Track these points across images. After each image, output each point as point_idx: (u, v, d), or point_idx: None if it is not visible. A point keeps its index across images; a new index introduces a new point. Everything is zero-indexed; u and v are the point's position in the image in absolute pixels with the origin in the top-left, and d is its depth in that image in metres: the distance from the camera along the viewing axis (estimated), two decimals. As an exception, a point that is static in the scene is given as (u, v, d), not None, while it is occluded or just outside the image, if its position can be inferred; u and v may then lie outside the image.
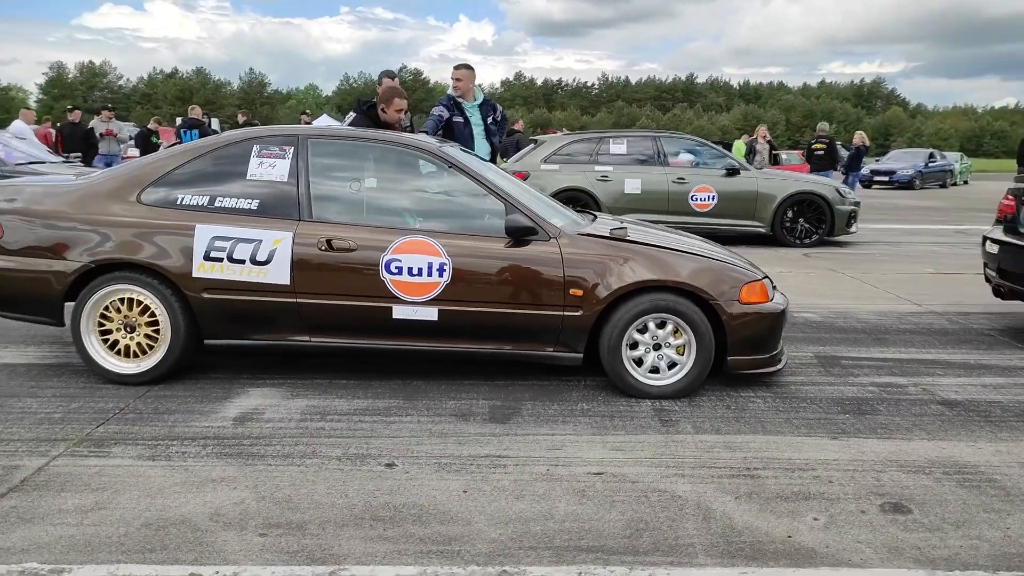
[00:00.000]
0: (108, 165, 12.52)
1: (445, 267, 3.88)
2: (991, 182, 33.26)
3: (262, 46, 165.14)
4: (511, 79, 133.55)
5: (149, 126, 15.54)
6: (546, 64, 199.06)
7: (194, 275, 3.90)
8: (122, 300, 3.95)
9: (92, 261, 3.90)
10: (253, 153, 4.04)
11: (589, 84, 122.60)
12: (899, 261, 9.07)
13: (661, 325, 3.95)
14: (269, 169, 4.02)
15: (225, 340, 4.02)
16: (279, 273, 3.90)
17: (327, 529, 2.61)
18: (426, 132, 5.65)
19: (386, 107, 5.34)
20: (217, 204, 3.96)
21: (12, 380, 4.06)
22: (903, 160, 28.88)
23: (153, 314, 3.95)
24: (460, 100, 6.15)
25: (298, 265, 3.89)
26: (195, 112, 12.26)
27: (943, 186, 28.60)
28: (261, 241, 3.89)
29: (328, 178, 4.11)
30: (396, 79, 6.15)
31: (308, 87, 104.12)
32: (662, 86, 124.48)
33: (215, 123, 13.31)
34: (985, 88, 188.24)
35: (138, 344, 3.99)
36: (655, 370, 3.99)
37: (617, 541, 2.56)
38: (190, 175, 4.03)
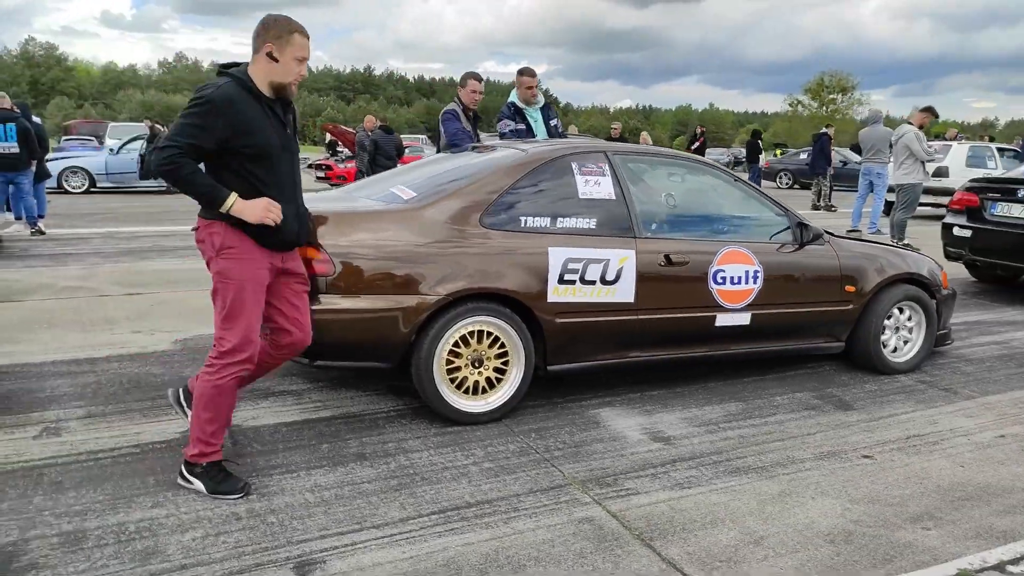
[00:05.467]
0: None
1: (759, 274, 4.20)
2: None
3: None
4: (170, 60, 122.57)
5: None
6: (199, 44, 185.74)
7: (549, 300, 3.72)
8: (471, 333, 3.63)
9: (449, 294, 3.52)
10: (575, 171, 3.94)
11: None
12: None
13: (901, 311, 4.70)
14: (596, 187, 3.96)
15: (569, 364, 3.89)
16: (625, 291, 3.89)
17: (953, 514, 2.94)
18: None
19: (462, 88, 6.00)
20: (559, 225, 3.81)
21: (350, 441, 3.49)
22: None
23: (503, 345, 3.69)
24: (522, 106, 6.15)
25: (641, 281, 3.92)
26: (4, 103, 9.91)
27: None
28: (608, 260, 3.84)
29: (642, 194, 4.16)
30: (482, 82, 6.04)
31: None
32: (341, 76, 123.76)
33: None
34: (608, 91, 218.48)
35: (487, 379, 3.69)
36: (894, 350, 4.73)
37: None
38: (522, 195, 3.80)
